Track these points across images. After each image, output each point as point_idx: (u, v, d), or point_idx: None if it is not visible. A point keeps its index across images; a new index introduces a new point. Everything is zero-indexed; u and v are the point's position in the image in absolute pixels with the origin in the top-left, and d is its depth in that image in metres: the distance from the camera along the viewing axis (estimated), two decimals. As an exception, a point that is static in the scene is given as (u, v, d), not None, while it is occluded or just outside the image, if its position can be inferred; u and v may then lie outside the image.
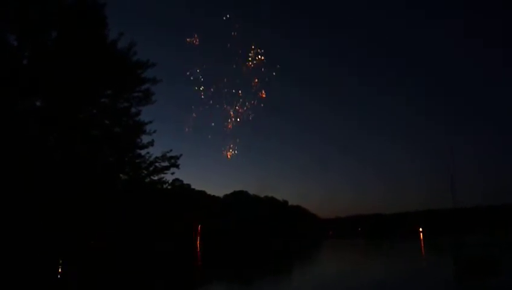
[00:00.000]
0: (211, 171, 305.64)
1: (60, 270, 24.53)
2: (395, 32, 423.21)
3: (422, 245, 72.78)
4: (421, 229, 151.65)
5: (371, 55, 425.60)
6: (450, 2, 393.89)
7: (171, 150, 28.69)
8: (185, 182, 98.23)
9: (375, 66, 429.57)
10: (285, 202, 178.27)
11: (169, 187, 34.45)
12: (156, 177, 28.56)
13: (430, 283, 26.91)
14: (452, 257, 34.02)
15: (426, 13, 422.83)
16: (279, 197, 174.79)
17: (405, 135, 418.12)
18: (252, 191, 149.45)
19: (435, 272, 32.88)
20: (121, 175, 27.76)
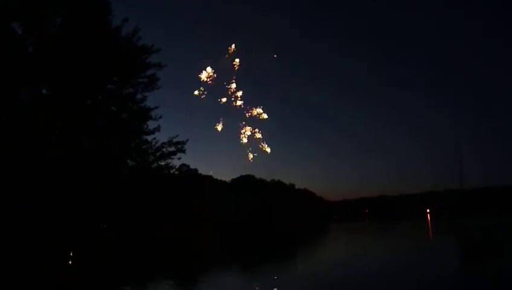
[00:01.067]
0: (218, 156, 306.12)
1: (70, 259, 24.88)
2: (400, 21, 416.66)
3: (430, 227, 72.78)
4: (428, 211, 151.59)
5: (374, 43, 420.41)
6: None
7: (177, 135, 28.70)
8: (192, 167, 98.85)
9: (380, 52, 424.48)
10: (292, 185, 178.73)
11: (176, 172, 34.59)
12: (163, 163, 28.60)
13: (436, 267, 26.98)
14: (459, 241, 34.04)
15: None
16: (286, 181, 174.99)
17: (410, 117, 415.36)
18: (258, 175, 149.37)
19: (441, 256, 32.93)
20: (128, 161, 27.88)
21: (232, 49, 21.36)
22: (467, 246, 32.21)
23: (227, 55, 21.57)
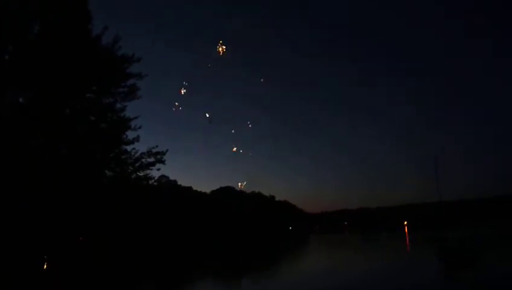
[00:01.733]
0: (197, 168, 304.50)
1: (45, 266, 24.27)
2: (385, 28, 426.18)
3: (408, 239, 73.87)
4: (406, 223, 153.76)
5: (356, 50, 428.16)
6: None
7: (157, 146, 28.47)
8: (171, 178, 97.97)
9: (361, 62, 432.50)
10: (272, 197, 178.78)
11: (155, 183, 34.23)
12: (141, 174, 28.27)
13: (414, 278, 27.38)
14: (435, 252, 34.66)
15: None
16: (266, 192, 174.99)
17: (390, 129, 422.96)
18: (238, 187, 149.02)
19: (418, 266, 33.43)
20: (107, 171, 27.47)
21: (222, 49, 21.44)
22: (443, 257, 32.85)
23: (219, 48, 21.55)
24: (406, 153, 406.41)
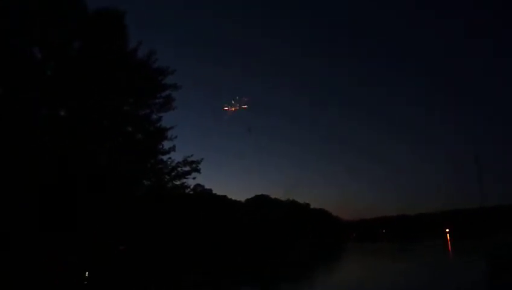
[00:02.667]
0: (232, 177, 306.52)
1: (86, 280, 24.89)
2: (417, 39, 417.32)
3: (450, 248, 70.95)
4: (447, 230, 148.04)
5: (390, 60, 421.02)
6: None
7: (192, 155, 28.93)
8: (207, 187, 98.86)
9: (395, 71, 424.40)
10: (307, 205, 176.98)
11: (191, 192, 34.68)
12: (178, 182, 28.82)
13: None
14: (484, 259, 32.78)
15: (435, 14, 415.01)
16: (301, 200, 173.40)
17: (428, 134, 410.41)
18: (273, 195, 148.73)
19: (464, 279, 31.62)
20: (144, 181, 28.11)
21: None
22: (491, 266, 31.04)
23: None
24: (446, 158, 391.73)
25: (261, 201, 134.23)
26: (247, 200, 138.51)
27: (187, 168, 28.59)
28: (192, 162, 28.70)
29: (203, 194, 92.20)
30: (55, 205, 20.82)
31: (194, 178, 29.35)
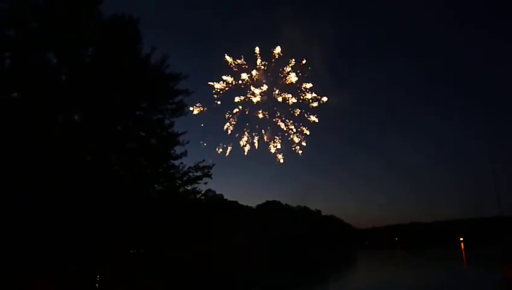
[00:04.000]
0: (244, 182, 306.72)
1: (97, 283, 25.06)
2: (431, 40, 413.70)
3: (464, 257, 69.69)
4: (461, 239, 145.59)
5: (408, 62, 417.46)
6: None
7: (203, 160, 29.05)
8: (218, 192, 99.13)
9: (410, 78, 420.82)
10: (319, 212, 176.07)
11: (202, 197, 34.78)
12: (189, 187, 28.94)
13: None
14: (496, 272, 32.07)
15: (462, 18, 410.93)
16: (312, 207, 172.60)
17: (441, 140, 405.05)
18: (284, 201, 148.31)
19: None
20: (156, 185, 28.28)
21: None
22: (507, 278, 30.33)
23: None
24: (461, 165, 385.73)
25: (272, 207, 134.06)
26: (258, 206, 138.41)
27: (199, 173, 28.70)
28: (204, 167, 28.82)
29: (214, 199, 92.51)
30: (70, 208, 21.06)
31: (205, 183, 29.48)
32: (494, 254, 46.52)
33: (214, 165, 29.18)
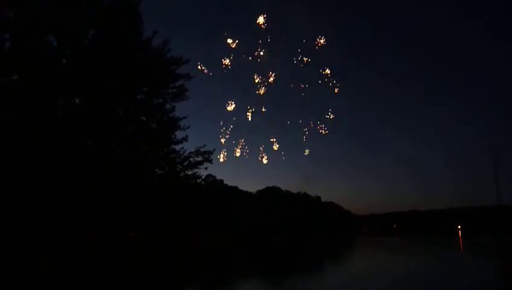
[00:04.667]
0: (244, 168, 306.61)
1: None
2: (430, 34, 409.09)
3: (461, 245, 70.16)
4: (459, 227, 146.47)
5: (401, 56, 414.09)
6: None
7: (204, 145, 29.11)
8: (218, 177, 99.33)
9: (406, 66, 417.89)
10: (318, 198, 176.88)
11: (202, 182, 34.90)
12: (190, 172, 29.09)
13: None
14: (493, 260, 32.21)
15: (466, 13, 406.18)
16: (312, 193, 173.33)
17: (441, 129, 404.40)
18: (284, 187, 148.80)
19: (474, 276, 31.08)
20: (157, 170, 28.37)
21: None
22: (504, 266, 30.47)
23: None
24: (460, 154, 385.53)
25: (272, 193, 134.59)
26: (259, 191, 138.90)
27: (199, 158, 28.83)
28: (205, 152, 28.91)
29: (214, 184, 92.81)
30: (71, 193, 21.13)
31: (206, 168, 29.62)
32: (492, 243, 46.72)
33: (214, 150, 29.25)
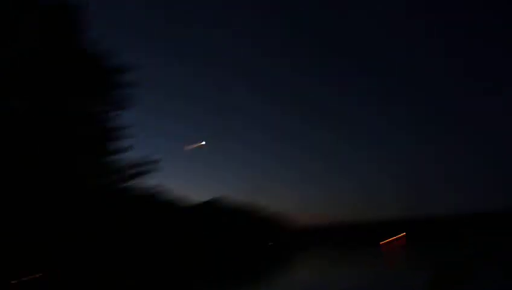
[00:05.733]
0: (197, 175, 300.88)
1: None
2: (373, 41, 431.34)
3: (397, 254, 73.58)
4: (404, 234, 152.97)
5: (345, 63, 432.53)
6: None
7: (150, 155, 28.70)
8: (168, 186, 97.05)
9: (353, 73, 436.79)
10: (264, 209, 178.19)
11: (148, 192, 34.30)
12: (134, 182, 28.50)
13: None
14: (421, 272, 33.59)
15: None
16: (259, 204, 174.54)
17: (380, 142, 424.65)
18: (229, 197, 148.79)
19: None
20: (99, 180, 27.48)
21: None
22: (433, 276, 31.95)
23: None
24: (395, 164, 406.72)
25: (218, 203, 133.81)
26: (205, 202, 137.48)
27: (144, 168, 28.34)
28: (150, 161, 28.53)
29: (155, 196, 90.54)
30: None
31: (152, 178, 29.20)
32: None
33: (160, 159, 28.94)
